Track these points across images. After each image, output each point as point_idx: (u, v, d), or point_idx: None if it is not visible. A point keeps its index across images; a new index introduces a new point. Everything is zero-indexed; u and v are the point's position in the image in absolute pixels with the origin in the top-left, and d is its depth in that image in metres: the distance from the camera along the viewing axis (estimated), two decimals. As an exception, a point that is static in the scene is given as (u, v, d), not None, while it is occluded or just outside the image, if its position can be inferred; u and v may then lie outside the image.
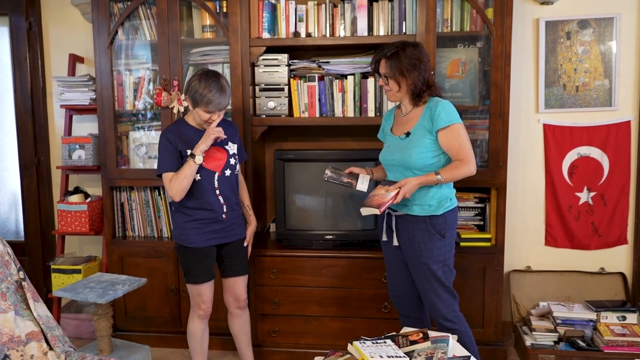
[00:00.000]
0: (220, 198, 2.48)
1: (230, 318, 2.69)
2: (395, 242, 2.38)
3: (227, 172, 2.50)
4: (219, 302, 2.70)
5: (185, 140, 2.43)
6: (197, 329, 2.59)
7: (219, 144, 2.49)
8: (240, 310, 2.67)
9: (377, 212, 2.18)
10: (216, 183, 2.46)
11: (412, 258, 2.34)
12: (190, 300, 2.60)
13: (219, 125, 2.46)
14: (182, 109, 2.95)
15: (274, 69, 2.98)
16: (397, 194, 2.18)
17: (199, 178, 2.42)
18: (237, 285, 2.63)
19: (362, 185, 2.44)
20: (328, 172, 2.46)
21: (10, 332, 1.95)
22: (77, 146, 3.25)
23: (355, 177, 2.47)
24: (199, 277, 2.51)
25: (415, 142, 2.27)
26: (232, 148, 2.54)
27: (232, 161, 2.52)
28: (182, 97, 2.47)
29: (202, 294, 2.53)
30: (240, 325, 2.70)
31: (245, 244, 2.65)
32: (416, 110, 2.33)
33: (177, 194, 2.38)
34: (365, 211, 2.23)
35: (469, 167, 2.23)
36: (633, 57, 3.13)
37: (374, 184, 2.53)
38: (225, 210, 2.50)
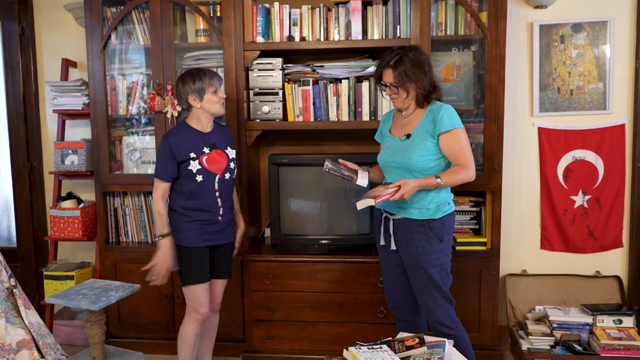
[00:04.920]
0: (219, 200, 2.53)
1: None
2: (393, 246, 2.37)
3: (227, 176, 2.55)
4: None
5: (188, 144, 2.46)
6: (193, 334, 2.57)
7: (219, 147, 2.53)
8: (213, 312, 2.68)
9: (372, 202, 2.17)
10: (216, 185, 2.51)
11: (409, 262, 2.33)
12: (186, 305, 2.58)
13: (215, 130, 2.56)
14: (175, 114, 2.93)
15: (268, 73, 2.97)
16: (396, 191, 2.16)
17: (201, 179, 2.47)
18: (217, 287, 2.67)
19: (362, 180, 2.37)
20: (328, 164, 2.38)
21: (1, 339, 1.92)
22: (70, 151, 3.23)
23: (355, 172, 2.41)
24: (197, 277, 2.51)
25: (417, 144, 2.26)
26: (232, 153, 2.59)
27: (232, 165, 2.58)
28: (179, 100, 2.50)
29: (199, 296, 2.52)
30: (207, 327, 2.70)
31: (236, 245, 2.72)
32: (417, 113, 2.32)
33: (152, 202, 2.53)
34: (360, 204, 2.21)
35: (468, 172, 2.22)
36: (627, 61, 3.13)
37: (370, 185, 2.51)
38: (221, 212, 2.55)
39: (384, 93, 2.35)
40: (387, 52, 2.31)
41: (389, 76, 2.27)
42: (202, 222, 2.51)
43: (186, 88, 2.45)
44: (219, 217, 2.54)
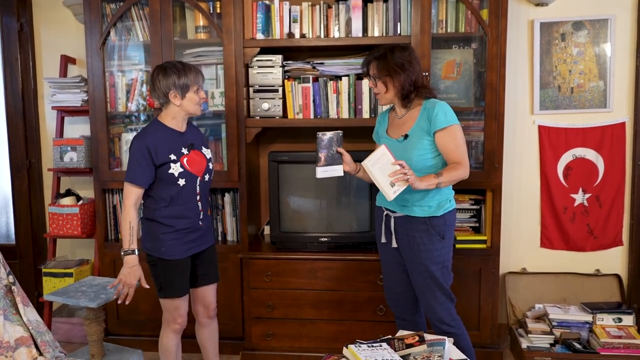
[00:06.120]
0: (200, 204, 2.40)
1: (199, 328, 2.58)
2: (394, 244, 2.36)
3: (206, 177, 2.41)
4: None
5: (167, 145, 2.28)
6: (173, 344, 2.44)
7: (196, 147, 2.39)
8: (209, 319, 2.56)
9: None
10: (198, 188, 2.37)
11: (411, 260, 2.32)
12: (163, 315, 2.43)
13: (190, 129, 2.41)
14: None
15: (268, 70, 2.96)
16: (400, 164, 2.12)
17: (184, 183, 2.30)
18: (208, 294, 2.53)
19: (323, 172, 2.31)
20: (325, 137, 2.27)
21: None
22: (68, 148, 3.22)
23: (333, 159, 2.32)
24: (179, 290, 2.37)
25: (414, 143, 2.26)
26: (208, 153, 2.45)
27: (210, 165, 2.44)
28: (155, 94, 2.32)
29: (179, 307, 2.39)
30: (208, 334, 2.58)
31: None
32: (412, 112, 2.32)
33: (123, 211, 2.29)
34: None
35: (464, 169, 2.21)
36: (627, 59, 3.13)
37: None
38: (202, 217, 2.42)
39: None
40: (381, 46, 2.32)
41: (372, 68, 2.32)
42: (184, 231, 2.34)
43: (168, 82, 2.24)
44: (200, 222, 2.40)
